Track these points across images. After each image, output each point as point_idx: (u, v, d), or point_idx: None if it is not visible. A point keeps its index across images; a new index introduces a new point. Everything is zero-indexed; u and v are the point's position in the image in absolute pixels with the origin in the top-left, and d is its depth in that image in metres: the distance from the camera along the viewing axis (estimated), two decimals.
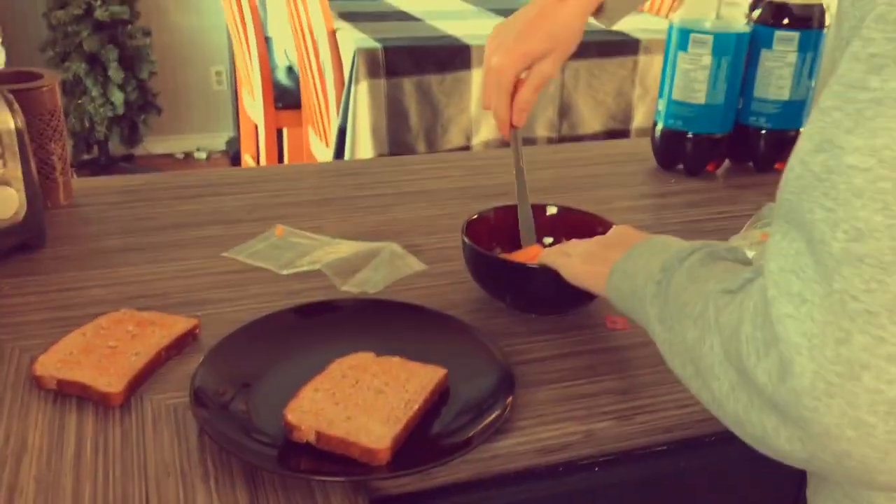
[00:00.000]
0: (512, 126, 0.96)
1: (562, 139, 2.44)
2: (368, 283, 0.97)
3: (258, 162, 3.17)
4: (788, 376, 0.45)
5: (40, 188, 1.04)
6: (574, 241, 0.87)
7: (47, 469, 0.66)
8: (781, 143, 1.36)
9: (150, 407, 0.74)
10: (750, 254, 0.93)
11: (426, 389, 0.72)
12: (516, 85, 0.93)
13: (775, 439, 0.48)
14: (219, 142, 4.24)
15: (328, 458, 0.66)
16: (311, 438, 0.66)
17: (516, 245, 0.98)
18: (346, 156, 2.21)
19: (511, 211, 0.99)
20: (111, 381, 0.73)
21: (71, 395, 0.74)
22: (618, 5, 0.97)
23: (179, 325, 0.83)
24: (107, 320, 0.83)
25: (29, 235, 1.00)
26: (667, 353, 0.62)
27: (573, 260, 0.81)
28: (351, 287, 0.96)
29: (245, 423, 0.69)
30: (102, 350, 0.78)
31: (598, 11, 0.96)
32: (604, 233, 0.95)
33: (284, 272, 0.99)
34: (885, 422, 0.43)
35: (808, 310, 0.44)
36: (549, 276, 0.84)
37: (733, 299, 0.53)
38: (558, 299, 0.90)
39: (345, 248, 1.05)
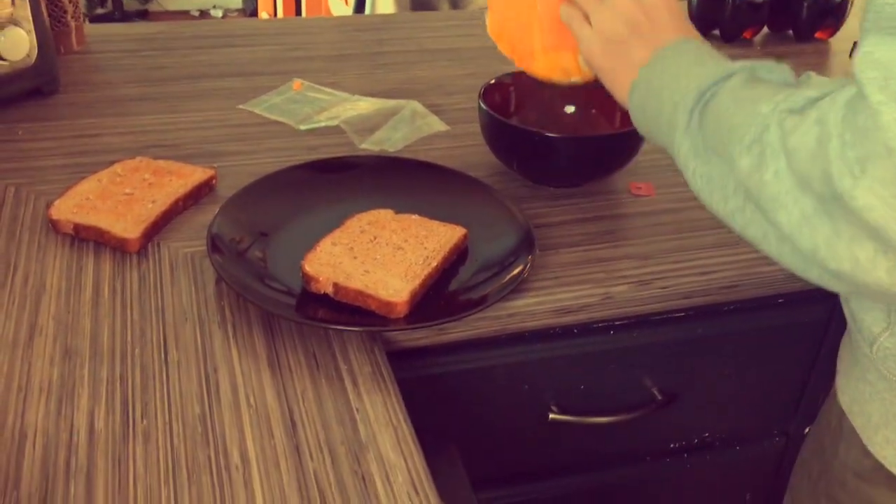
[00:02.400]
0: None
1: None
2: (388, 141, 0.95)
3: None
4: None
5: (52, 32, 1.00)
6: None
7: (66, 310, 0.66)
8: (824, 11, 1.30)
9: (168, 254, 0.73)
10: None
11: (445, 248, 0.71)
12: None
13: (871, 271, 0.44)
14: None
15: (345, 309, 0.66)
16: (329, 290, 0.66)
17: (538, 110, 0.94)
18: (367, 13, 2.13)
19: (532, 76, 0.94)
20: (128, 227, 0.73)
21: (87, 239, 0.74)
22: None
23: (196, 174, 0.82)
24: (123, 167, 0.82)
25: (42, 80, 0.98)
26: (703, 187, 0.56)
27: (594, 37, 0.67)
28: (370, 145, 0.94)
29: (262, 271, 0.69)
30: (119, 196, 0.77)
31: None
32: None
33: (302, 127, 0.97)
34: None
35: None
36: (567, 146, 0.81)
37: (803, 118, 0.46)
38: (577, 173, 0.87)
39: (364, 105, 1.02)
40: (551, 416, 0.79)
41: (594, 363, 0.80)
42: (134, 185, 0.80)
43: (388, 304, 0.64)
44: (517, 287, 0.69)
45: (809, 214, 0.46)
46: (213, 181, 0.83)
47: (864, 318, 0.60)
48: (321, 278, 0.66)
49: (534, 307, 0.71)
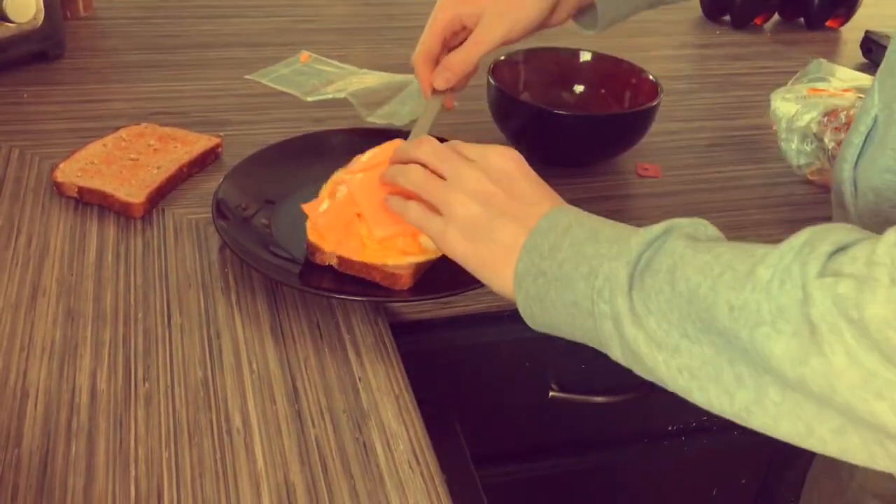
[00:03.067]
0: (433, 90, 0.74)
1: None
2: (395, 115, 0.94)
3: None
4: None
5: None
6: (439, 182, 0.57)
7: (69, 272, 0.66)
8: (836, 0, 1.29)
9: (172, 220, 0.73)
10: (795, 108, 0.89)
11: None
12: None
13: None
14: None
15: (349, 278, 0.65)
16: (333, 262, 0.65)
17: (547, 89, 0.93)
18: None
19: (544, 54, 0.94)
20: (132, 192, 0.72)
21: (91, 203, 0.73)
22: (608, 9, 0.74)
23: (202, 142, 0.81)
24: (128, 133, 0.82)
25: (48, 43, 0.97)
26: (687, 384, 0.44)
27: (449, 230, 0.55)
28: (377, 118, 0.93)
29: (266, 239, 0.69)
30: (123, 161, 0.77)
31: (580, 14, 0.77)
32: (637, 87, 0.90)
33: (308, 98, 0.96)
34: None
35: None
36: (575, 124, 0.80)
37: (871, 278, 0.36)
38: (584, 151, 0.86)
39: (372, 79, 1.02)
40: (552, 393, 0.79)
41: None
42: (139, 150, 0.79)
43: (393, 276, 0.64)
44: None
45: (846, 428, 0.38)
46: (219, 149, 0.82)
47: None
48: (326, 250, 0.65)
49: None
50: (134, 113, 0.89)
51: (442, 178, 0.57)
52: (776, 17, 1.33)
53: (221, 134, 0.85)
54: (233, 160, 0.79)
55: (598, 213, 0.79)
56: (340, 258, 0.65)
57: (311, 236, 0.66)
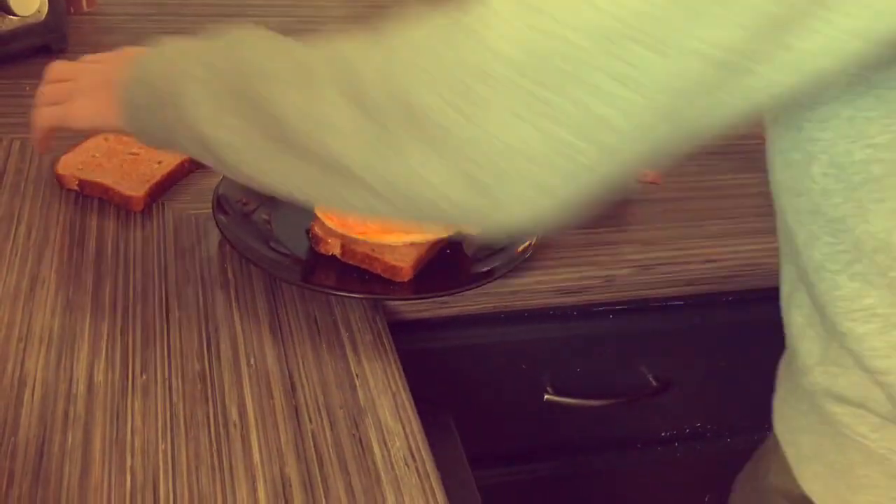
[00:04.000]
0: None
1: None
2: None
3: None
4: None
5: None
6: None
7: (68, 264, 0.66)
8: None
9: (172, 215, 0.73)
10: None
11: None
12: None
13: (425, 177, 0.40)
14: None
15: (350, 274, 0.66)
16: (337, 251, 0.66)
17: None
18: None
19: None
20: (133, 186, 0.73)
21: (92, 196, 0.73)
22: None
23: None
24: None
25: (51, 37, 0.97)
26: (233, 155, 0.49)
27: (74, 104, 0.62)
28: None
29: (267, 234, 0.69)
30: (124, 156, 0.77)
31: None
32: None
33: None
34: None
35: None
36: None
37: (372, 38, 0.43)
38: None
39: None
40: (547, 396, 0.80)
41: (592, 347, 0.80)
42: (140, 145, 0.79)
43: (394, 268, 0.64)
44: (520, 265, 0.69)
45: (359, 122, 0.41)
46: None
47: (799, 347, 0.54)
48: (330, 239, 0.66)
49: (536, 285, 0.71)
50: None
51: None
52: None
53: None
54: None
55: (598, 217, 0.80)
56: (344, 247, 0.66)
57: (316, 227, 0.66)
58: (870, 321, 0.46)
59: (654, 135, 0.38)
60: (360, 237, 0.65)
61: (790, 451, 0.58)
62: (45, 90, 0.67)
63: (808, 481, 0.56)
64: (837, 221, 0.45)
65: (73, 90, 0.63)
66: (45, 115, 0.66)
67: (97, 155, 0.77)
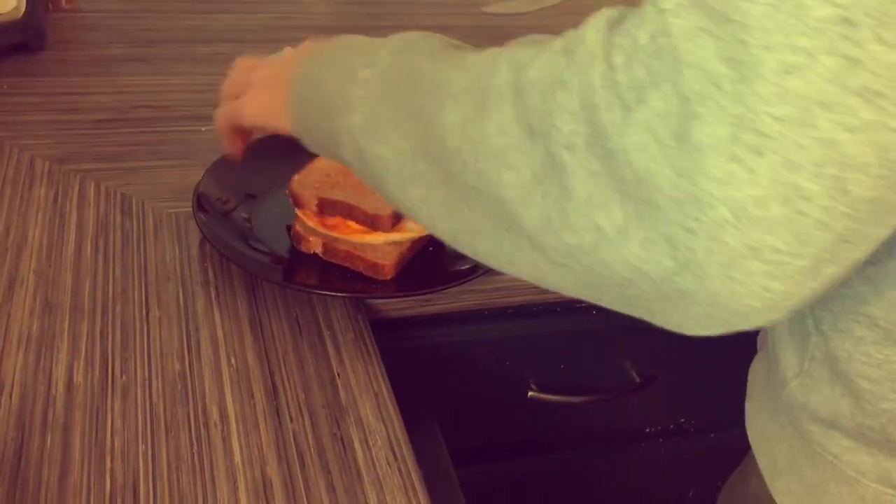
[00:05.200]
0: None
1: None
2: None
3: None
4: (691, 128, 0.30)
5: None
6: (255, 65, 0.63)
7: (47, 264, 0.65)
8: None
9: (152, 213, 0.73)
10: None
11: None
12: None
13: (621, 244, 0.33)
14: None
15: (332, 272, 0.65)
16: (318, 250, 0.65)
17: None
18: None
19: None
20: (377, 204, 0.65)
21: (332, 215, 0.67)
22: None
23: None
24: None
25: (29, 35, 0.97)
26: (384, 172, 0.44)
27: (246, 97, 0.59)
28: None
29: (247, 233, 0.68)
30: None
31: None
32: None
33: None
34: (829, 195, 0.29)
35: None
36: None
37: (543, 50, 0.36)
38: None
39: None
40: (530, 393, 0.80)
41: (575, 343, 0.80)
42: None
43: (376, 266, 0.64)
44: None
45: (539, 173, 0.34)
46: None
47: (780, 357, 0.52)
48: (311, 238, 0.66)
49: (518, 282, 0.71)
50: (117, 106, 0.89)
51: None
52: None
53: (203, 129, 0.85)
54: (215, 154, 0.79)
55: None
56: (325, 245, 0.65)
57: (298, 226, 0.66)
58: (871, 328, 0.44)
59: None
60: (341, 237, 0.65)
61: (764, 462, 0.57)
62: (224, 84, 0.65)
63: (782, 494, 0.55)
64: None
65: (249, 84, 0.60)
66: (222, 111, 0.64)
67: (331, 174, 0.71)
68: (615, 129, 0.31)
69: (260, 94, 0.58)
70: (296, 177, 0.69)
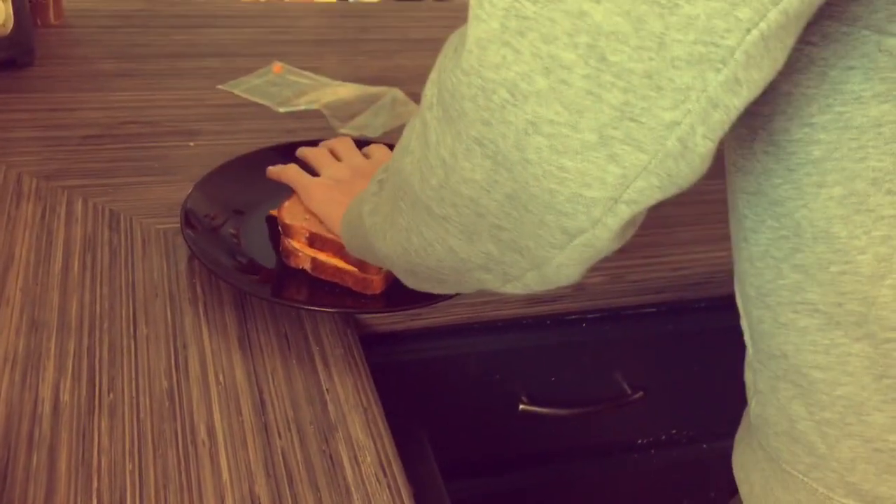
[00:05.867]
0: None
1: None
2: (368, 127, 0.94)
3: None
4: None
5: (29, 4, 0.99)
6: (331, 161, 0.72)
7: (34, 281, 0.65)
8: None
9: (140, 230, 0.72)
10: None
11: None
12: None
13: (455, 166, 0.38)
14: None
15: (320, 287, 0.65)
16: (307, 265, 0.65)
17: None
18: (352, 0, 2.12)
19: None
20: None
21: (323, 250, 0.67)
22: None
23: None
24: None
25: (17, 51, 0.96)
26: (390, 241, 0.50)
27: (321, 180, 0.68)
28: (350, 130, 0.93)
29: (234, 248, 0.68)
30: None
31: None
32: None
33: (281, 110, 0.96)
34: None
35: None
36: None
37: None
38: None
39: (345, 91, 1.02)
40: (521, 406, 0.79)
41: (566, 356, 0.80)
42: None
43: (365, 281, 0.64)
44: None
45: (418, 140, 0.42)
46: None
47: (746, 376, 0.53)
48: (300, 254, 0.65)
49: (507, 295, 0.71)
50: (105, 122, 0.89)
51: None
52: None
53: (191, 144, 0.85)
54: (203, 170, 0.79)
55: None
56: (314, 261, 0.65)
57: (287, 241, 0.66)
58: (812, 316, 0.44)
59: None
60: (329, 261, 0.65)
61: (744, 490, 0.56)
62: (317, 152, 0.73)
63: None
64: (778, 204, 0.42)
65: (332, 172, 0.69)
66: (293, 172, 0.71)
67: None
68: (447, 73, 0.37)
69: (330, 197, 0.66)
70: (286, 203, 0.69)
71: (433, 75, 0.41)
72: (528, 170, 0.35)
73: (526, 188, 0.36)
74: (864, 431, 0.46)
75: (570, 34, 0.31)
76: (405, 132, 0.46)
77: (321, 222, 0.67)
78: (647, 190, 0.35)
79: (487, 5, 0.33)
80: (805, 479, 0.49)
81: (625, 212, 0.36)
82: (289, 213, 0.68)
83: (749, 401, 0.53)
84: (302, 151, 0.74)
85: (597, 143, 0.33)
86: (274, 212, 0.69)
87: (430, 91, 0.41)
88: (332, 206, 0.65)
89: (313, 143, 0.84)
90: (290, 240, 0.67)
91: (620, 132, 0.33)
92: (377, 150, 0.73)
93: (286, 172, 0.71)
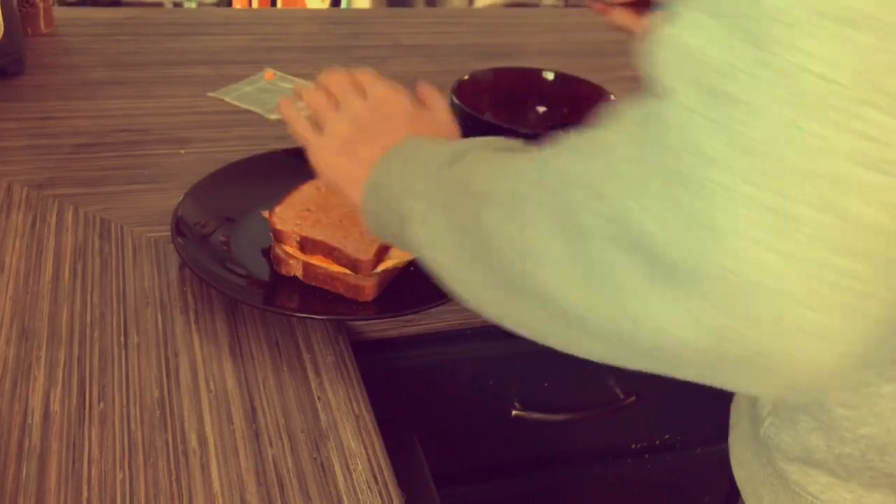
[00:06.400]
0: None
1: (568, 4, 2.36)
2: None
3: None
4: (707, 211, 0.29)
5: (20, 13, 0.99)
6: (333, 104, 0.62)
7: (24, 291, 0.65)
8: None
9: (131, 238, 0.72)
10: None
11: None
12: None
13: (657, 317, 0.32)
14: None
15: (312, 294, 0.65)
16: (298, 273, 0.65)
17: (510, 109, 0.94)
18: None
19: (508, 73, 0.95)
20: (359, 247, 0.65)
21: (314, 253, 0.66)
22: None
23: None
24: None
25: (7, 60, 0.96)
26: (440, 269, 0.46)
27: (325, 142, 0.61)
28: None
29: (225, 256, 0.68)
30: (343, 208, 0.69)
31: None
32: (600, 108, 0.91)
33: (272, 117, 0.96)
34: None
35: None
36: (539, 143, 0.81)
37: (567, 147, 0.37)
38: None
39: None
40: (514, 412, 0.79)
41: (558, 361, 0.80)
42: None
43: (357, 287, 0.64)
44: None
45: (579, 267, 0.34)
46: None
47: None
48: (291, 261, 0.65)
49: None
50: (96, 130, 0.89)
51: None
52: None
53: (182, 151, 0.85)
54: (194, 177, 0.78)
55: None
56: (305, 268, 0.65)
57: (277, 249, 0.66)
58: None
59: None
60: (322, 265, 0.65)
61: (751, 502, 0.55)
62: (314, 99, 0.64)
63: None
64: None
65: (333, 128, 0.61)
66: (301, 129, 0.63)
67: (312, 208, 0.69)
68: (638, 218, 0.31)
69: (336, 156, 0.59)
70: (277, 208, 0.69)
71: (600, 203, 0.33)
72: (786, 363, 0.30)
73: (776, 371, 0.31)
74: (886, 468, 0.46)
75: (851, 245, 0.28)
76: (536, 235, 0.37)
77: (312, 226, 0.66)
78: None
79: (735, 194, 0.28)
80: (816, 501, 0.49)
81: None
82: (279, 218, 0.68)
83: (762, 419, 0.52)
84: (325, 80, 0.65)
85: (864, 331, 0.30)
86: (266, 213, 0.69)
87: (595, 219, 0.33)
88: (340, 174, 0.59)
89: (303, 150, 0.84)
90: (281, 245, 0.67)
91: (883, 317, 0.30)
92: (372, 86, 0.63)
93: (295, 125, 0.64)
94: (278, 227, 0.66)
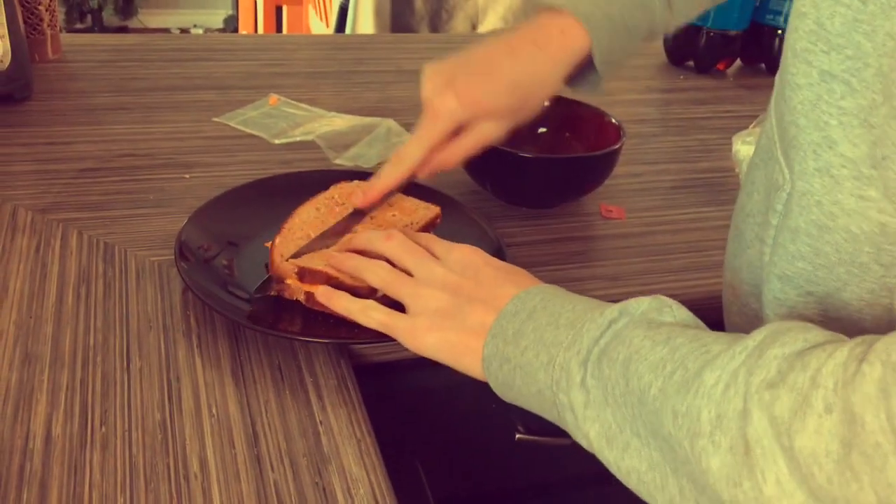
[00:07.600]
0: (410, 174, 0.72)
1: None
2: (362, 157, 0.95)
3: None
4: None
5: (27, 39, 1.00)
6: (407, 280, 0.59)
7: (28, 314, 0.65)
8: None
9: (134, 262, 0.72)
10: (749, 150, 0.91)
11: (417, 226, 0.72)
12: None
13: None
14: (216, 19, 4.13)
15: (314, 318, 0.65)
16: (301, 297, 0.65)
17: (510, 132, 0.94)
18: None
19: None
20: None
21: (314, 283, 0.65)
22: (611, 54, 0.70)
23: (420, 211, 0.74)
24: (340, 193, 0.75)
25: (15, 86, 0.97)
26: (636, 485, 0.45)
27: (417, 323, 0.56)
28: (344, 161, 0.94)
29: (228, 280, 0.68)
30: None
31: (575, 77, 0.73)
32: (600, 130, 0.91)
33: (276, 141, 0.97)
34: None
35: None
36: (540, 167, 0.82)
37: (806, 404, 0.35)
38: (548, 193, 0.87)
39: (340, 122, 1.03)
40: (518, 436, 0.79)
41: None
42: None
43: None
44: None
45: None
46: (437, 220, 0.74)
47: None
48: (293, 286, 0.65)
49: None
50: (101, 154, 0.89)
51: (408, 273, 0.59)
52: (738, 62, 1.36)
53: (187, 176, 0.85)
54: (198, 201, 0.79)
55: (563, 255, 0.80)
56: (307, 293, 0.65)
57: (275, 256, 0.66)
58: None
59: None
60: (318, 267, 0.65)
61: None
62: (380, 277, 0.59)
63: None
64: None
65: (427, 305, 0.56)
66: (380, 318, 0.58)
67: (312, 234, 0.69)
68: None
69: (439, 332, 0.55)
70: (277, 239, 0.68)
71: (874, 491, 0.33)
72: None
73: None
74: None
75: None
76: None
77: (310, 256, 0.67)
78: None
79: None
80: None
81: None
82: (277, 252, 0.67)
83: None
84: (352, 269, 0.61)
85: None
86: (269, 244, 0.69)
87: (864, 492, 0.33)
88: (449, 351, 0.55)
89: (308, 174, 0.85)
90: (281, 278, 0.66)
91: None
92: (439, 247, 0.60)
93: (367, 317, 0.59)
94: (277, 262, 0.66)
